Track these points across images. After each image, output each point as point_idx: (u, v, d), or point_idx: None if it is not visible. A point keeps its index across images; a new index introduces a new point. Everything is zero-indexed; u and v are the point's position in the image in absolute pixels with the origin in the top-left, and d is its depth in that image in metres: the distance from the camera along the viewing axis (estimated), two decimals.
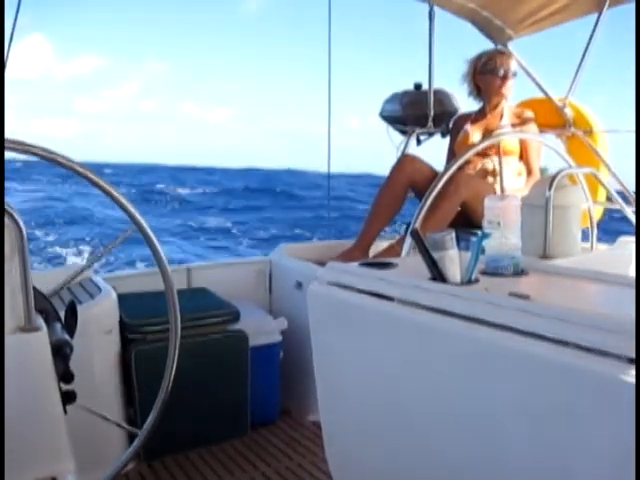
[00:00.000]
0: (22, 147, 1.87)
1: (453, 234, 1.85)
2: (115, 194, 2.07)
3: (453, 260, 1.85)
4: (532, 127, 4.00)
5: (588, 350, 1.42)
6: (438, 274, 1.86)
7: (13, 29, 2.66)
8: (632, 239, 3.49)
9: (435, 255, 1.86)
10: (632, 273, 2.55)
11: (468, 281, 1.85)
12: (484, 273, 1.96)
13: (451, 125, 4.36)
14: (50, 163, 1.95)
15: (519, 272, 1.99)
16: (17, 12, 2.71)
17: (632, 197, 3.57)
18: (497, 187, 3.75)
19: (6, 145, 1.83)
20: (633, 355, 1.33)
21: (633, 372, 1.32)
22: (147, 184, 42.97)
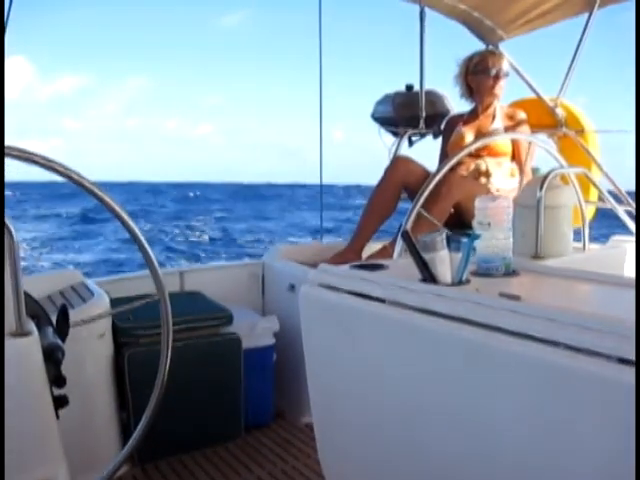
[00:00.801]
0: (23, 155, 1.87)
1: (444, 235, 1.86)
2: (108, 200, 2.07)
3: (444, 261, 1.85)
4: (524, 129, 4.00)
5: (579, 350, 1.42)
6: (429, 275, 1.86)
7: (5, 24, 2.65)
8: (624, 238, 3.50)
9: (426, 256, 1.86)
10: (625, 273, 2.56)
11: (459, 282, 1.85)
12: (475, 274, 1.97)
13: (443, 126, 4.36)
14: (48, 171, 1.95)
15: (510, 272, 2.00)
16: (9, 11, 2.70)
17: (624, 196, 3.57)
18: (491, 187, 3.76)
19: (7, 152, 1.83)
20: (624, 355, 1.34)
21: (624, 372, 1.32)
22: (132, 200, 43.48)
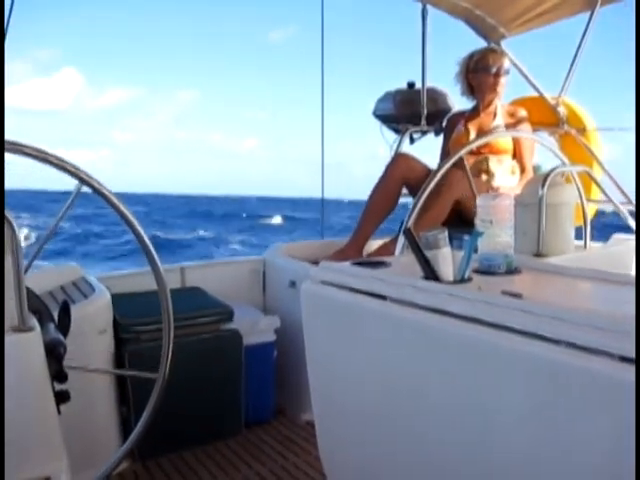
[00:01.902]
0: (14, 147, 1.86)
1: (446, 233, 1.86)
2: (106, 193, 2.07)
3: (446, 259, 1.85)
4: (525, 126, 4.00)
5: (581, 348, 1.42)
6: (431, 273, 1.86)
7: (7, 26, 2.65)
8: (625, 237, 3.50)
9: (428, 254, 1.86)
10: (626, 271, 2.56)
11: (461, 280, 1.85)
12: (477, 272, 1.97)
13: (444, 123, 4.36)
14: (42, 163, 1.95)
15: (512, 270, 2.00)
16: (11, 10, 2.70)
17: (626, 195, 3.57)
18: (492, 185, 3.76)
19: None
20: (626, 353, 1.34)
21: (626, 370, 1.32)
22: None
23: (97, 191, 2.06)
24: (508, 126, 3.96)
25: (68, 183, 2.09)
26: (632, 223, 3.20)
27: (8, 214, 1.78)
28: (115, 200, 2.09)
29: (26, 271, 2.04)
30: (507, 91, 4.06)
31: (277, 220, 43.92)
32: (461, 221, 3.61)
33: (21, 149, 1.88)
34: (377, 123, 4.55)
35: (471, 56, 4.04)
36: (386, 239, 3.89)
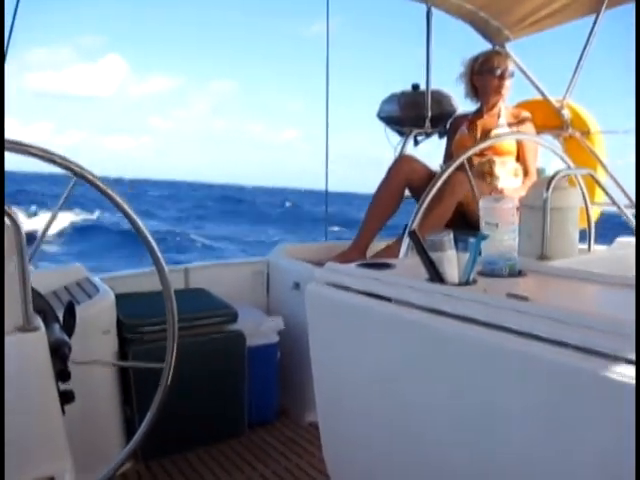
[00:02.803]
0: (20, 147, 1.87)
1: (451, 235, 1.86)
2: (111, 193, 2.07)
3: (451, 261, 1.86)
4: (529, 127, 4.00)
5: (586, 351, 1.42)
6: (436, 275, 1.86)
7: (11, 29, 2.66)
8: (629, 240, 3.50)
9: (433, 256, 1.86)
10: (630, 274, 2.56)
11: (466, 282, 1.85)
12: (482, 274, 1.97)
13: (448, 126, 4.37)
14: (47, 163, 1.95)
15: (517, 273, 2.00)
16: (15, 11, 2.71)
17: (630, 198, 3.57)
18: (495, 187, 3.76)
19: (6, 146, 1.83)
20: (631, 356, 1.34)
21: (631, 373, 1.32)
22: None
23: (100, 189, 2.06)
24: (512, 128, 3.96)
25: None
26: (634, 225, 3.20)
27: (13, 212, 1.79)
28: (119, 200, 2.09)
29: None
30: (511, 94, 4.06)
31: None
32: (464, 223, 3.62)
33: (26, 149, 1.89)
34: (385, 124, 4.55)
35: (476, 58, 4.05)
36: (389, 241, 3.89)
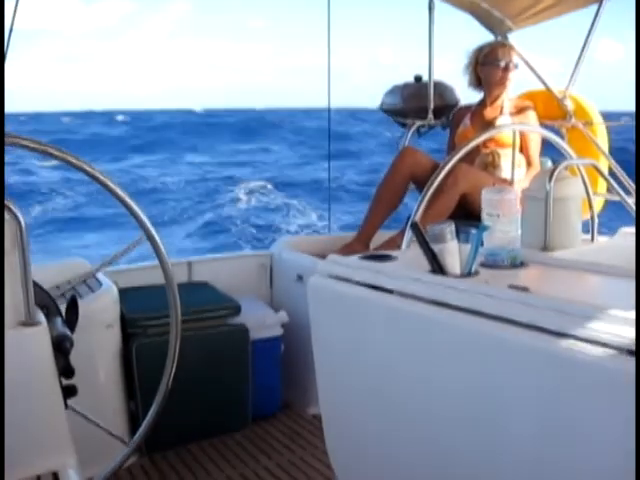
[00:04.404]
0: (16, 140, 1.87)
1: (453, 226, 1.85)
2: (111, 185, 2.07)
3: (453, 253, 1.85)
4: (532, 115, 3.99)
5: (587, 342, 1.42)
6: (438, 266, 1.86)
7: (11, 30, 2.66)
8: (633, 230, 3.48)
9: (435, 247, 1.86)
10: (633, 264, 2.55)
11: (468, 273, 1.85)
12: (484, 265, 1.96)
13: (451, 117, 4.35)
14: (43, 155, 1.95)
15: (519, 264, 1.99)
16: (15, 12, 2.70)
17: (632, 188, 3.56)
18: (498, 178, 3.75)
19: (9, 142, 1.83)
20: (632, 347, 1.33)
21: (632, 363, 1.32)
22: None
23: (100, 181, 2.06)
24: (515, 120, 3.95)
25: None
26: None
27: (14, 207, 1.78)
28: (120, 192, 2.09)
29: None
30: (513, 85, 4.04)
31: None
32: (468, 215, 3.60)
33: (19, 142, 1.88)
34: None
35: (480, 49, 4.03)
36: (393, 233, 3.88)
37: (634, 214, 3.20)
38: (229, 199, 20.35)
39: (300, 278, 3.56)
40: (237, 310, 3.29)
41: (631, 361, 1.32)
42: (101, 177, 2.05)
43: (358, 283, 2.03)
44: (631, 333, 1.35)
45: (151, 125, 43.12)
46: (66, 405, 1.96)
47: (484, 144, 3.80)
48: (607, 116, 4.22)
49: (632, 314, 1.39)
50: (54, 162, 2.00)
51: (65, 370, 1.93)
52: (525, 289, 1.66)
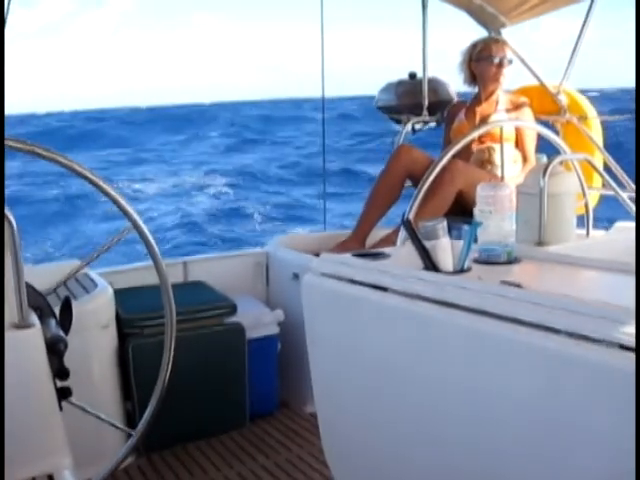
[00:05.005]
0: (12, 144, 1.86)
1: (445, 223, 1.85)
2: (104, 186, 2.07)
3: (445, 249, 1.85)
4: (527, 112, 3.99)
5: (580, 337, 1.42)
6: (430, 263, 1.86)
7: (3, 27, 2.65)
8: (628, 225, 3.48)
9: (427, 244, 1.86)
10: (628, 259, 2.55)
11: (460, 270, 1.85)
12: (477, 261, 1.96)
13: (446, 114, 4.35)
14: (34, 156, 1.94)
15: (513, 260, 1.99)
16: (7, 9, 2.70)
17: (627, 182, 3.56)
18: (494, 174, 3.74)
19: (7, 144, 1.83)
20: (625, 342, 1.33)
21: (625, 359, 1.32)
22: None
23: (92, 182, 2.05)
24: (510, 114, 3.95)
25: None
26: (633, 210, 3.19)
27: (7, 210, 1.78)
28: (114, 193, 2.09)
29: None
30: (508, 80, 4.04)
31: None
32: (464, 212, 3.60)
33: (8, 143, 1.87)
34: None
35: (474, 45, 4.03)
36: (389, 230, 3.88)
37: (629, 208, 3.20)
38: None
39: (296, 276, 3.55)
40: (233, 309, 3.29)
41: (627, 357, 1.32)
42: (94, 178, 2.05)
43: (352, 281, 2.02)
44: (627, 329, 1.35)
45: (84, 125, 42.50)
46: (61, 407, 1.96)
47: (480, 140, 3.80)
48: None
49: (627, 309, 1.38)
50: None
51: (59, 372, 1.93)
52: (517, 285, 1.66)
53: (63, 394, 1.98)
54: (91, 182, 2.05)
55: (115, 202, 2.11)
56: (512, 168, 3.86)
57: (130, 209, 2.13)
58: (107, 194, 2.09)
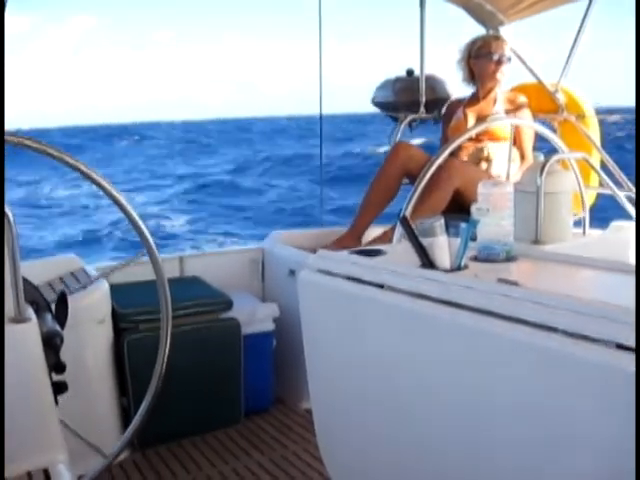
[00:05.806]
0: (15, 139, 1.86)
1: (442, 220, 1.85)
2: (105, 185, 2.07)
3: (442, 247, 1.85)
4: (526, 112, 3.99)
5: (577, 336, 1.42)
6: (427, 261, 1.86)
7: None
8: (624, 224, 3.49)
9: (424, 242, 1.86)
10: (624, 258, 2.55)
11: (457, 267, 1.85)
12: (475, 259, 1.96)
13: (444, 111, 4.35)
14: (42, 155, 1.95)
15: (510, 258, 1.99)
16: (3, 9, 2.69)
17: (624, 181, 3.56)
18: (491, 173, 3.75)
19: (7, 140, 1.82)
20: (622, 341, 1.33)
21: (622, 358, 1.32)
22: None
23: (95, 182, 2.05)
24: (508, 113, 3.94)
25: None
26: (631, 209, 3.19)
27: (4, 204, 1.78)
28: (114, 192, 2.09)
29: None
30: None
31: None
32: (461, 210, 3.60)
33: (22, 141, 1.88)
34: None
35: (473, 42, 4.02)
36: (386, 227, 3.88)
37: (627, 207, 3.20)
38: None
39: (292, 273, 3.55)
40: (229, 305, 3.29)
41: (624, 357, 1.32)
42: (96, 177, 2.05)
43: (348, 278, 2.02)
44: (621, 328, 1.35)
45: None
46: (56, 401, 1.96)
47: (477, 138, 3.80)
48: None
49: (627, 309, 1.38)
50: None
51: (56, 366, 1.93)
52: (513, 283, 1.66)
53: (59, 389, 1.97)
54: (93, 181, 2.05)
55: (116, 202, 2.11)
56: (510, 166, 3.86)
57: (130, 209, 2.14)
58: (109, 194, 2.09)
